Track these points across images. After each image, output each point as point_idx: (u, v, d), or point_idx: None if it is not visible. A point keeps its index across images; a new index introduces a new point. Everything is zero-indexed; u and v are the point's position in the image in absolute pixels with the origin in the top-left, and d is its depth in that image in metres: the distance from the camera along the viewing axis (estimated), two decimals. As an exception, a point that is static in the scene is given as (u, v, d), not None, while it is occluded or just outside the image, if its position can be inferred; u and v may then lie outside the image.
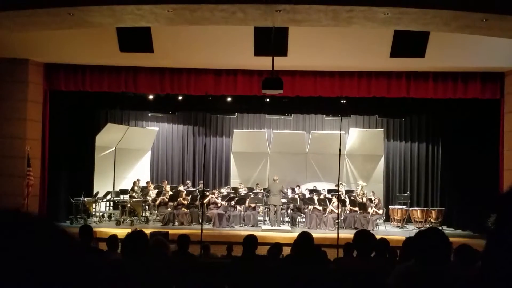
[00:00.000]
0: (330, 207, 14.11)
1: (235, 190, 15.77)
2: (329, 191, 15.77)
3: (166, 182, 16.14)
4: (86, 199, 13.94)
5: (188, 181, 16.99)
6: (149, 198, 15.02)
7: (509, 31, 9.68)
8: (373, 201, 14.66)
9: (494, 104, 13.12)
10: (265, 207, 14.99)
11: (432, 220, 14.75)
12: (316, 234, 11.91)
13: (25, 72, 12.57)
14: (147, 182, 16.03)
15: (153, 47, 11.78)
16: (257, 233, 6.68)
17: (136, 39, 11.58)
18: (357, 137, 17.31)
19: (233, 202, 14.32)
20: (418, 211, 15.10)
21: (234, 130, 18.07)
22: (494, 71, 12.67)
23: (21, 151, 12.29)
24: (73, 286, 0.77)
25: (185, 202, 14.34)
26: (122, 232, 6.34)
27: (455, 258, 4.74)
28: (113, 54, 12.03)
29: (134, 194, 14.98)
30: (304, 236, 4.77)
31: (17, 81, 12.52)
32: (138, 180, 15.83)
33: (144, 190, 15.35)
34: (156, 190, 15.26)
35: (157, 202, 14.57)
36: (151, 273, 3.67)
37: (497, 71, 12.69)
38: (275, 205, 14.20)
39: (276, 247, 6.87)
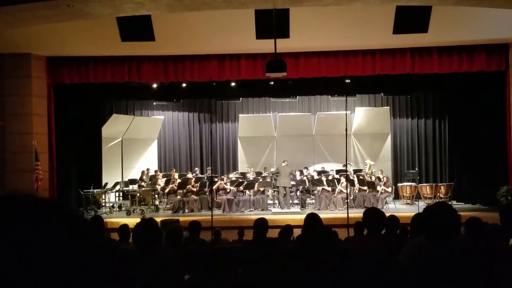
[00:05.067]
0: (339, 187, 14.12)
1: (243, 175, 15.79)
2: (337, 171, 15.76)
3: (174, 170, 16.19)
4: (95, 190, 14.01)
5: (196, 168, 17.02)
6: (158, 187, 15.08)
7: (513, 1, 9.56)
8: (382, 179, 14.66)
9: (499, 76, 13.03)
10: (274, 191, 15.01)
11: (441, 196, 14.74)
12: (326, 214, 11.99)
13: (28, 66, 12.58)
14: (155, 171, 16.10)
15: (155, 35, 11.75)
16: (267, 216, 6.69)
17: (137, 28, 11.55)
18: (363, 116, 17.24)
19: (242, 187, 14.34)
20: (427, 187, 15.08)
21: (240, 115, 18.05)
22: (498, 42, 12.57)
23: (29, 146, 12.34)
24: (89, 269, 0.77)
25: (194, 189, 14.39)
26: (132, 221, 6.38)
27: (464, 231, 4.74)
28: (115, 44, 12.01)
29: (143, 184, 15.04)
30: (311, 218, 4.79)
31: (21, 76, 12.54)
32: (147, 169, 15.90)
33: (153, 179, 15.40)
34: (165, 179, 15.31)
35: (166, 190, 14.62)
36: (163, 260, 3.69)
37: (502, 42, 12.58)
38: (284, 187, 14.21)
39: (287, 229, 6.88)
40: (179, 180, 14.71)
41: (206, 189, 14.45)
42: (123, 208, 14.92)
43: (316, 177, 15.13)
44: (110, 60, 13.08)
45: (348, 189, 13.34)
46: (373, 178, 14.86)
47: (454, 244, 2.80)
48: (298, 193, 15.00)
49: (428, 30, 11.53)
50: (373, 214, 4.28)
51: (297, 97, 17.55)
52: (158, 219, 6.95)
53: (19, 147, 12.40)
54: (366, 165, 16.19)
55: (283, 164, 14.56)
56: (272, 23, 10.31)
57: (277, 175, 14.69)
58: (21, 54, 12.47)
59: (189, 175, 15.30)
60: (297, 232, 7.03)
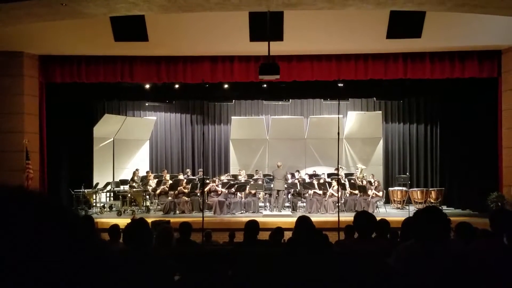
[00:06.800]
0: (330, 191, 14.14)
1: (235, 177, 15.78)
2: (329, 175, 15.78)
3: (165, 171, 16.15)
4: (86, 190, 13.95)
5: (187, 170, 16.99)
6: (149, 188, 15.03)
7: (504, 8, 9.63)
8: (373, 184, 14.70)
9: (491, 82, 13.10)
10: (266, 193, 15.02)
11: (432, 201, 14.79)
12: (317, 218, 11.99)
13: (20, 65, 12.52)
14: (147, 172, 16.05)
15: (148, 36, 11.72)
16: (258, 219, 6.69)
17: (131, 28, 11.51)
18: (355, 120, 17.28)
19: (233, 189, 14.33)
20: (418, 192, 15.14)
21: (232, 117, 18.03)
22: (491, 49, 12.64)
23: (20, 145, 12.28)
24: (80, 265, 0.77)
25: (186, 191, 14.36)
26: (123, 222, 6.35)
27: (455, 236, 4.77)
28: (107, 44, 11.97)
29: (134, 184, 14.99)
30: (302, 220, 4.79)
31: (13, 74, 12.47)
32: (137, 170, 15.84)
33: (144, 180, 15.36)
34: (156, 180, 15.27)
35: (158, 192, 14.58)
36: (154, 261, 3.67)
37: (494, 49, 12.66)
38: (278, 191, 14.22)
39: (278, 231, 6.88)
40: (170, 181, 14.67)
41: (197, 191, 14.43)
42: (113, 209, 14.85)
43: (307, 180, 15.14)
44: (103, 60, 13.03)
45: (339, 193, 13.36)
46: (364, 182, 14.89)
47: (443, 248, 2.81)
48: (289, 196, 15.01)
49: (421, 36, 11.58)
50: (364, 218, 4.29)
51: (290, 100, 17.58)
52: (149, 220, 6.92)
53: (10, 146, 12.33)
54: (357, 169, 16.24)
55: (277, 166, 14.56)
56: (266, 26, 10.32)
57: (271, 179, 14.69)
58: (14, 53, 12.40)
59: (181, 177, 15.27)
60: (288, 234, 7.03)
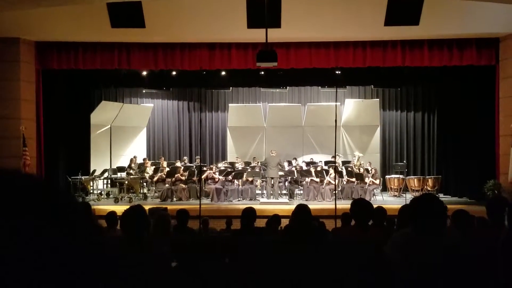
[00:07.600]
0: (327, 178, 14.16)
1: (232, 164, 15.78)
2: (326, 162, 15.79)
3: (163, 158, 16.15)
4: (83, 177, 13.93)
5: (185, 157, 16.98)
6: (147, 175, 15.03)
7: (504, -4, 9.60)
8: (370, 171, 14.72)
9: (489, 70, 13.09)
10: (263, 181, 15.03)
11: (428, 188, 14.83)
12: (314, 205, 12.01)
13: (16, 51, 12.43)
14: (144, 159, 16.04)
15: (145, 22, 11.64)
16: (256, 206, 6.70)
17: (127, 15, 11.45)
18: (353, 108, 17.27)
19: (230, 177, 14.34)
20: (415, 179, 15.17)
21: (230, 105, 18.00)
22: (489, 37, 12.61)
23: (16, 132, 12.23)
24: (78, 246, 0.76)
25: (183, 178, 14.37)
26: (120, 209, 6.37)
27: (451, 224, 4.78)
28: (104, 30, 11.90)
29: (131, 171, 14.98)
30: (301, 209, 4.80)
31: (9, 60, 12.39)
32: (135, 157, 15.83)
33: (141, 167, 15.35)
34: (153, 167, 15.26)
35: (155, 179, 14.58)
36: (151, 248, 3.68)
37: (492, 37, 12.63)
38: (272, 178, 14.24)
39: (274, 219, 6.90)
40: (167, 169, 14.67)
41: (194, 178, 14.44)
42: (111, 196, 14.88)
43: (304, 168, 15.15)
44: (100, 46, 12.96)
45: (337, 181, 13.38)
46: (362, 170, 14.92)
47: (440, 236, 2.82)
48: (286, 183, 15.03)
49: (419, 23, 11.54)
50: (361, 205, 4.30)
51: (287, 87, 17.52)
52: (146, 207, 6.93)
53: (7, 132, 12.29)
54: (354, 157, 16.24)
55: (271, 154, 14.56)
56: (264, 13, 10.26)
57: (266, 166, 14.70)
58: (10, 39, 12.31)
59: (178, 164, 15.27)
60: (284, 222, 7.06)
